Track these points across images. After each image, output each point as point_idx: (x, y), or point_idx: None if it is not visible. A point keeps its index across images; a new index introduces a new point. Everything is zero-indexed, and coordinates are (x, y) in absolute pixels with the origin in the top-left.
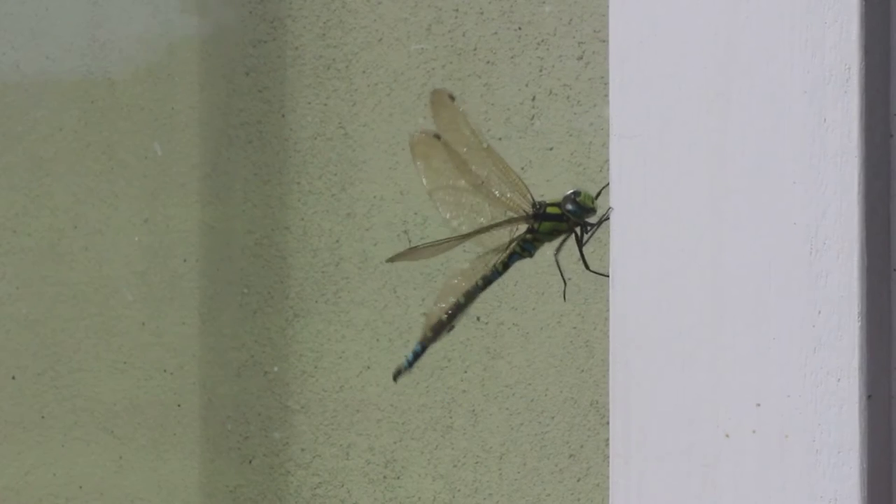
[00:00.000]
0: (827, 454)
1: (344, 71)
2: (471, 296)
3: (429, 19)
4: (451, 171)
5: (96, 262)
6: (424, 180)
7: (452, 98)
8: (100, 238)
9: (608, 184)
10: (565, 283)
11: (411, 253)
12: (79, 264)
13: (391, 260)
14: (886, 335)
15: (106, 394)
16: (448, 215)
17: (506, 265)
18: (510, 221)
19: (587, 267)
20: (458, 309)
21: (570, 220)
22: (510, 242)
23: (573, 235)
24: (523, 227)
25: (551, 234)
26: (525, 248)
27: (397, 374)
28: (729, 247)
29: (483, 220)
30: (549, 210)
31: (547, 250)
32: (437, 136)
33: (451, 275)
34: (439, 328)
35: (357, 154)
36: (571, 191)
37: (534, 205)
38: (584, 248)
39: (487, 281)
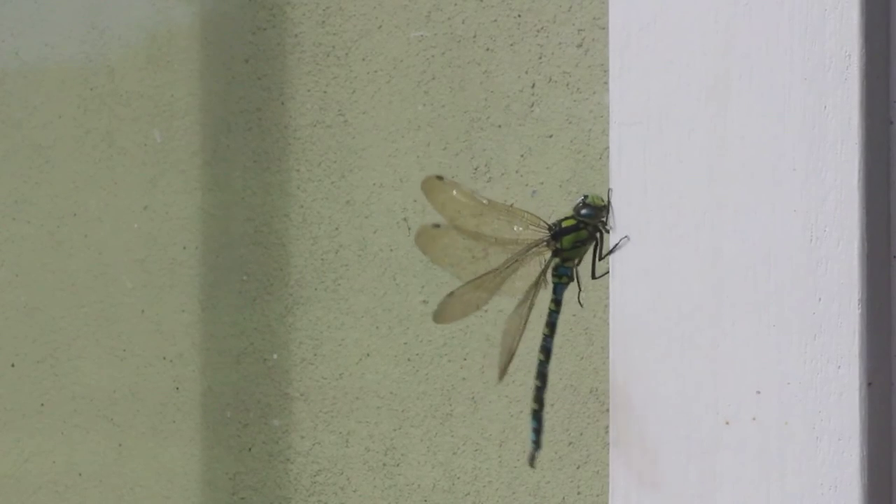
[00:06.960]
0: (827, 441)
1: (343, 58)
2: (546, 349)
3: (428, 6)
4: (467, 248)
5: (96, 250)
6: (451, 272)
7: (440, 178)
8: (99, 225)
9: (610, 189)
10: (580, 289)
11: (451, 300)
12: (78, 252)
13: (438, 320)
14: (886, 322)
15: (105, 381)
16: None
17: (557, 302)
18: (534, 245)
19: (594, 275)
20: (543, 367)
21: (588, 224)
22: (541, 275)
23: (594, 243)
24: (549, 254)
25: (576, 247)
26: (562, 273)
27: (532, 459)
28: (729, 234)
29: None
30: (565, 224)
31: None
32: (437, 226)
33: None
34: (539, 394)
35: (356, 141)
36: (579, 198)
37: (549, 228)
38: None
39: (552, 326)
